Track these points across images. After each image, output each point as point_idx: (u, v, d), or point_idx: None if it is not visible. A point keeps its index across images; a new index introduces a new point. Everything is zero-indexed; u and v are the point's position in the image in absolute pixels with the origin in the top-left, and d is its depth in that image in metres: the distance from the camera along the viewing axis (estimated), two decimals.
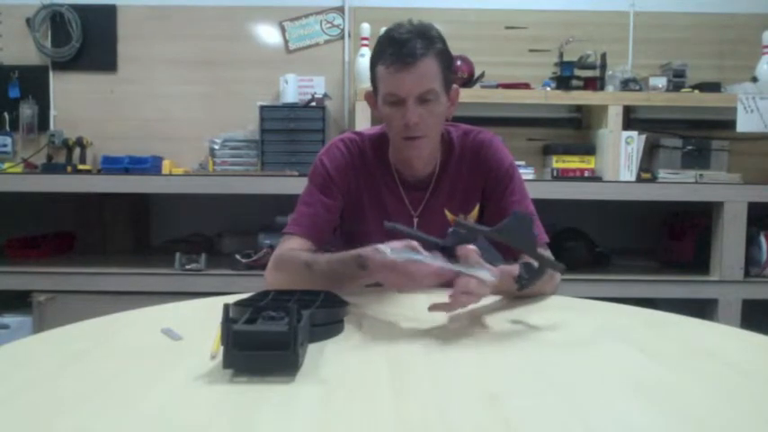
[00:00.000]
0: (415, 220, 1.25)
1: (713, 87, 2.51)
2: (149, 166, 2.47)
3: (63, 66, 2.76)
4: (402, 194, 1.26)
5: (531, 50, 2.76)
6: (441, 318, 0.96)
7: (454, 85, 1.20)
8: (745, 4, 2.76)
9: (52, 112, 2.78)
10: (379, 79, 1.15)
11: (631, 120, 2.64)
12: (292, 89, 2.63)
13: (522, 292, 0.95)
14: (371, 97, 1.22)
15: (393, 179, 1.26)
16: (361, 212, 1.25)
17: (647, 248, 2.68)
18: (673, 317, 0.99)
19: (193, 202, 2.65)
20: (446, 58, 1.15)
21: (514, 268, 0.98)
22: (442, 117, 1.18)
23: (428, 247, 0.91)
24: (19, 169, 2.56)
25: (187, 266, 2.23)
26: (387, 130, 1.21)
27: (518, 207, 1.23)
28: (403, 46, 1.09)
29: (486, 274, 0.88)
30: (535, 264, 0.94)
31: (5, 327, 2.25)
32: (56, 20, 2.73)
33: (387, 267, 0.91)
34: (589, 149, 2.53)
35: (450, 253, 0.88)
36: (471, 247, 0.89)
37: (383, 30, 1.17)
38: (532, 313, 0.98)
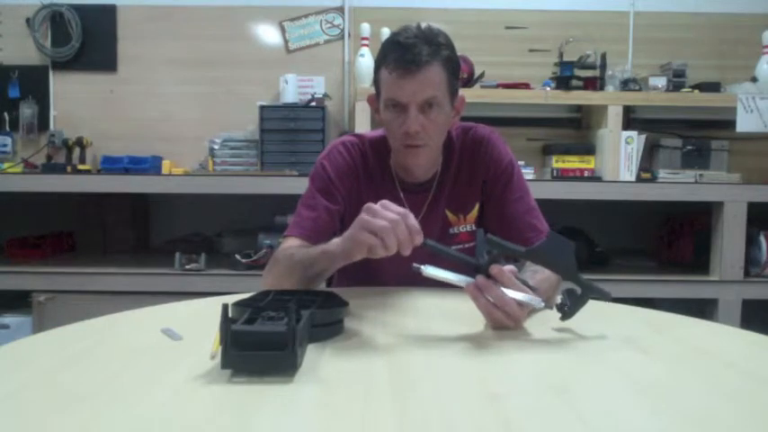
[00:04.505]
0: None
1: (713, 87, 2.51)
2: (149, 166, 2.47)
3: (63, 66, 2.77)
4: (403, 199, 1.25)
5: (531, 50, 2.76)
6: (440, 318, 0.96)
7: (460, 94, 1.18)
8: (745, 4, 2.76)
9: (52, 112, 2.78)
10: (382, 83, 1.13)
11: (631, 120, 2.64)
12: (292, 89, 2.63)
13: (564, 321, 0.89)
14: (374, 101, 1.20)
15: (394, 183, 1.25)
16: None
17: (647, 248, 2.68)
18: (673, 317, 0.99)
19: (193, 202, 2.65)
20: (453, 66, 1.12)
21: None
22: (445, 126, 1.16)
23: (463, 267, 0.87)
24: (19, 169, 2.56)
25: (187, 266, 2.23)
26: (387, 135, 1.19)
27: (519, 204, 1.22)
28: (408, 51, 1.06)
29: (538, 301, 0.84)
30: (578, 290, 0.87)
31: (5, 327, 2.25)
32: (56, 20, 2.74)
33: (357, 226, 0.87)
34: (589, 149, 2.53)
35: (485, 272, 0.83)
36: (508, 267, 0.84)
37: (386, 30, 1.16)
38: (532, 313, 0.98)
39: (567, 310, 0.87)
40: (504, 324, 0.85)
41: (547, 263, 0.88)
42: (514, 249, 0.85)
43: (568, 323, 0.87)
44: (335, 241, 0.97)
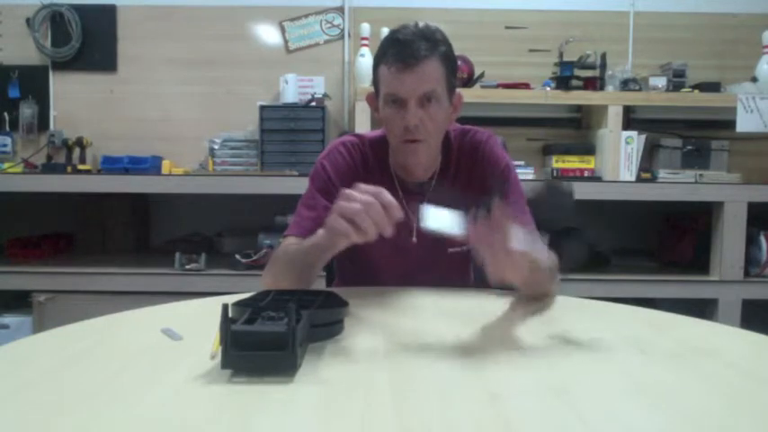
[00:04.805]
0: (414, 225, 1.25)
1: (713, 87, 2.51)
2: (149, 166, 2.47)
3: (63, 66, 2.77)
4: (402, 199, 1.25)
5: (531, 50, 2.76)
6: (440, 318, 0.96)
7: (458, 91, 1.18)
8: (745, 4, 2.76)
9: (52, 112, 2.78)
10: (381, 80, 1.13)
11: (631, 120, 2.64)
12: (292, 89, 2.63)
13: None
14: (373, 99, 1.20)
15: (393, 184, 1.24)
16: None
17: (647, 248, 2.68)
18: (673, 317, 0.98)
19: (193, 202, 2.65)
20: (450, 62, 1.13)
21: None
22: (443, 123, 1.16)
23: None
24: (19, 169, 2.56)
25: (187, 266, 2.23)
26: (386, 133, 1.19)
27: (513, 208, 1.22)
28: (406, 47, 1.07)
29: (542, 249, 0.83)
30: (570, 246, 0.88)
31: (5, 327, 2.26)
32: (56, 20, 2.74)
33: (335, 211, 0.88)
34: (589, 149, 2.53)
35: (487, 214, 0.81)
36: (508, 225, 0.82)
37: (385, 30, 1.16)
38: (532, 313, 0.98)
39: (567, 263, 0.87)
40: (507, 277, 0.83)
41: (547, 206, 0.88)
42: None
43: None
44: (320, 232, 1.00)
